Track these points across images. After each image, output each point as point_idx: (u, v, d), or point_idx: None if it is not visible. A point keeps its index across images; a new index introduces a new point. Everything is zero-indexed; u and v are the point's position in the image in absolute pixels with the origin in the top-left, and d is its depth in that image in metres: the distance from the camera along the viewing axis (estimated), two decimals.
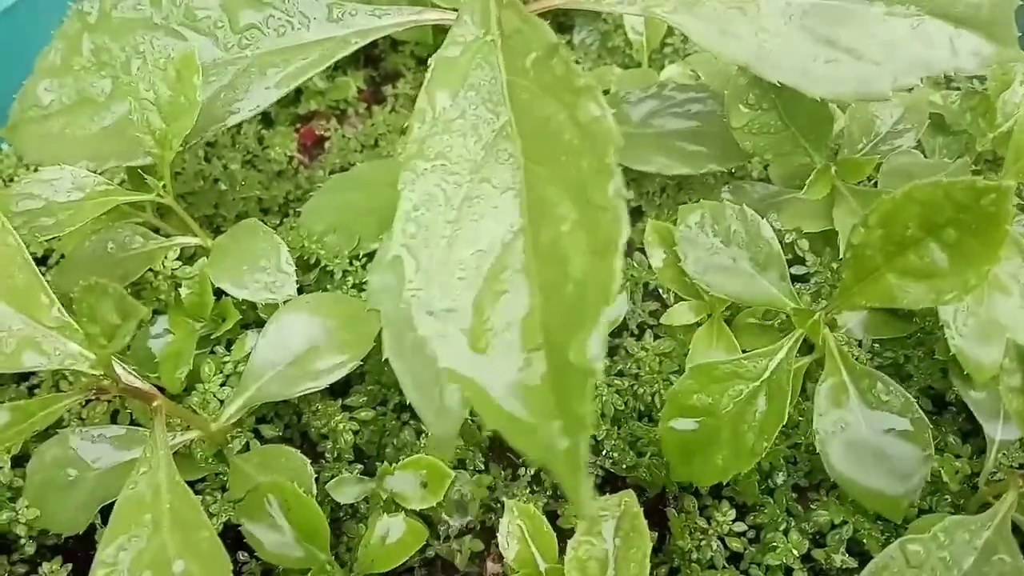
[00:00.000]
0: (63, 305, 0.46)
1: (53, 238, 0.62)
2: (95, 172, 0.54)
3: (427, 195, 0.40)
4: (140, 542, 0.40)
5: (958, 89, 0.69)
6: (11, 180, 0.69)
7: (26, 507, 0.49)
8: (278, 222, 0.68)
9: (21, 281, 0.46)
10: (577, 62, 0.82)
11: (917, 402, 0.54)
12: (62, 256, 0.64)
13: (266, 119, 0.81)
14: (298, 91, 0.82)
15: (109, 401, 0.56)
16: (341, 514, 0.54)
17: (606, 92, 0.77)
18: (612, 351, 0.60)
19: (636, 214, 0.68)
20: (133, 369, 0.52)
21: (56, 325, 0.46)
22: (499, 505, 0.53)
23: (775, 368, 0.47)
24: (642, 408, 0.57)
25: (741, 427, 0.48)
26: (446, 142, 0.42)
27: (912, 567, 0.40)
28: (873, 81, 0.50)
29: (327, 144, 0.78)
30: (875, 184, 0.61)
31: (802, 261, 0.60)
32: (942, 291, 0.40)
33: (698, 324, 0.56)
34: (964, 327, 0.50)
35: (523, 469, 0.57)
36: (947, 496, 0.51)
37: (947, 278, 0.40)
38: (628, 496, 0.45)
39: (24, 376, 0.58)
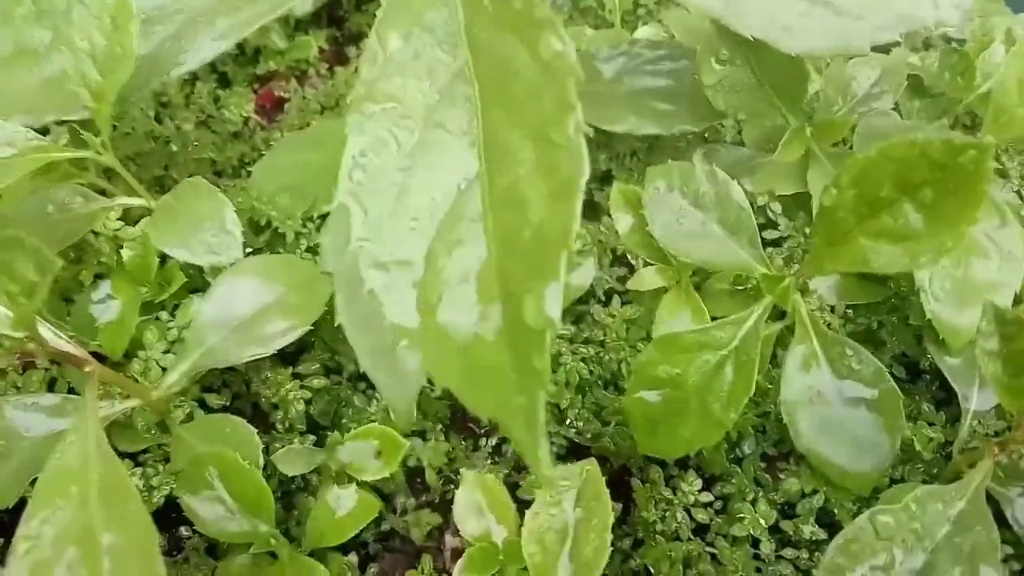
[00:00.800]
0: None
1: None
2: (32, 128, 0.51)
3: (377, 140, 0.38)
4: (66, 515, 0.38)
5: (936, 50, 0.67)
6: None
7: None
8: (231, 185, 0.65)
9: None
10: None
11: (891, 370, 0.53)
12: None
13: (223, 79, 0.77)
14: (256, 50, 0.79)
15: (47, 369, 0.53)
16: (292, 487, 0.52)
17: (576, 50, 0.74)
18: (578, 318, 0.58)
19: (606, 178, 0.66)
20: (72, 336, 0.49)
21: None
22: (459, 477, 0.51)
23: (743, 337, 0.45)
24: (608, 376, 0.55)
25: (708, 398, 0.46)
26: (398, 84, 0.39)
27: (882, 539, 0.38)
28: (852, 36, 0.47)
29: (286, 106, 0.75)
30: (850, 147, 0.59)
31: (775, 225, 0.58)
32: (917, 253, 0.38)
33: (666, 290, 0.54)
34: (940, 291, 0.49)
35: (484, 440, 0.55)
36: (920, 465, 0.49)
37: (922, 240, 0.38)
38: (590, 465, 0.43)
39: None
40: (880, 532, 0.38)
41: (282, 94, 0.76)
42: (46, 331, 0.42)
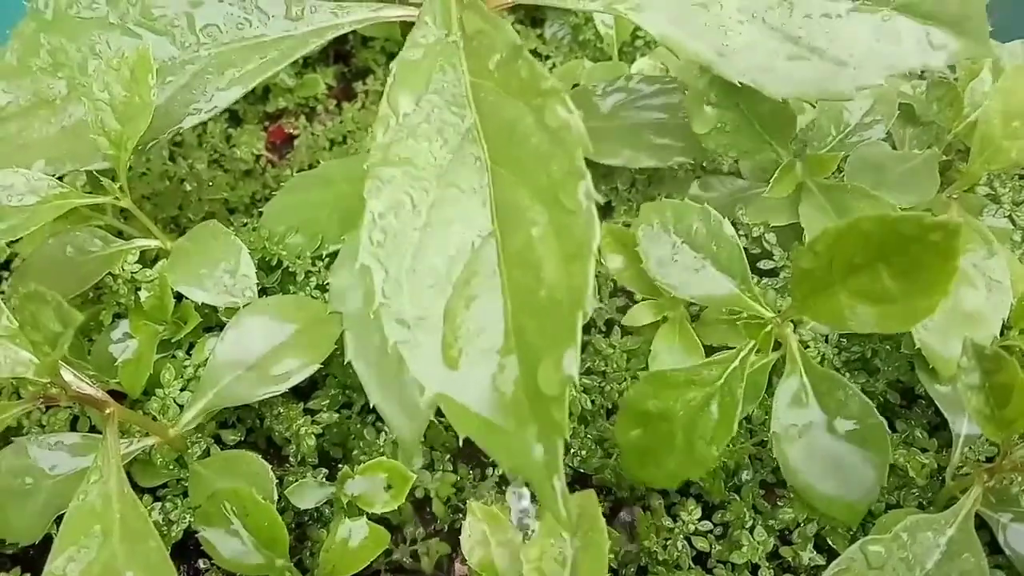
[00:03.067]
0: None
1: (14, 242, 0.62)
2: (53, 176, 0.53)
3: (394, 201, 0.40)
4: (90, 553, 0.40)
5: (928, 79, 0.69)
6: None
7: None
8: (245, 222, 0.67)
9: None
10: (548, 56, 0.82)
11: (885, 396, 0.54)
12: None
13: (234, 117, 0.80)
14: (266, 89, 0.81)
15: (70, 407, 0.55)
16: (305, 519, 0.53)
17: (575, 85, 0.76)
18: (581, 348, 0.59)
19: (606, 209, 0.67)
20: (92, 375, 0.52)
21: (6, 333, 0.45)
22: (466, 506, 0.53)
23: (728, 376, 0.46)
24: (610, 406, 0.56)
25: (693, 434, 0.47)
26: (411, 147, 0.41)
27: (873, 568, 0.39)
28: (837, 81, 0.48)
29: (296, 143, 0.78)
30: (843, 177, 0.60)
31: (770, 255, 0.59)
32: (892, 317, 0.39)
33: (664, 320, 0.56)
34: (929, 322, 0.50)
35: (491, 469, 0.57)
36: (914, 490, 0.51)
37: (897, 304, 0.39)
38: (588, 497, 0.45)
39: None
40: (871, 562, 0.39)
41: (292, 131, 0.79)
42: (68, 375, 0.44)
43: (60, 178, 0.54)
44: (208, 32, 0.56)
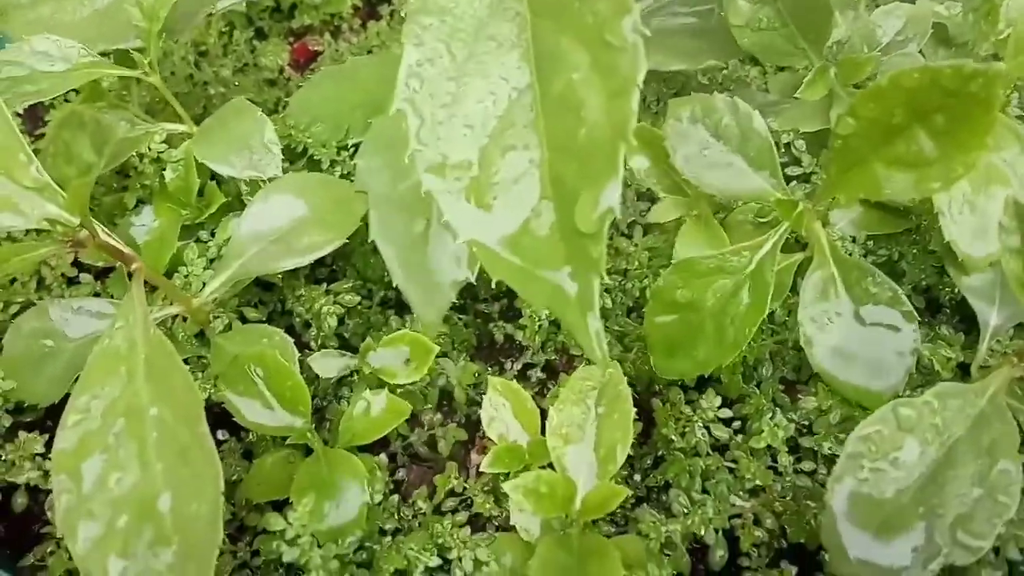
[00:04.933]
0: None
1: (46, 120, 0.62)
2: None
3: (431, 51, 0.39)
4: (114, 391, 0.39)
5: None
6: None
7: (1, 378, 0.49)
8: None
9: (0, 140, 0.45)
10: None
11: (911, 299, 0.54)
12: None
13: (259, 33, 0.80)
14: (292, 5, 0.81)
15: (90, 271, 0.55)
16: (325, 402, 0.53)
17: None
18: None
19: None
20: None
21: (35, 185, 0.45)
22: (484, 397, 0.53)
23: (759, 262, 0.46)
24: (630, 304, 0.56)
25: (723, 321, 0.47)
26: None
27: (903, 430, 0.39)
28: None
29: (320, 58, 0.77)
30: None
31: (798, 162, 0.59)
32: (929, 179, 0.39)
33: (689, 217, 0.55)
34: (960, 216, 0.49)
35: (509, 363, 0.57)
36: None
37: (934, 166, 0.39)
38: (612, 366, 0.45)
39: None
40: (901, 424, 0.39)
41: (316, 47, 0.78)
42: (96, 226, 0.44)
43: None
44: None
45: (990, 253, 0.49)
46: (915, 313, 0.48)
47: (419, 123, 0.38)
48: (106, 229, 0.45)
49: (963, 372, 0.51)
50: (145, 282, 0.44)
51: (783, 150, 0.59)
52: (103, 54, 0.55)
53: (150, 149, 0.56)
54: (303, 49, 0.80)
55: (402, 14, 0.80)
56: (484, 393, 0.53)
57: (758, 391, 0.52)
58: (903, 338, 0.48)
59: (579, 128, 0.37)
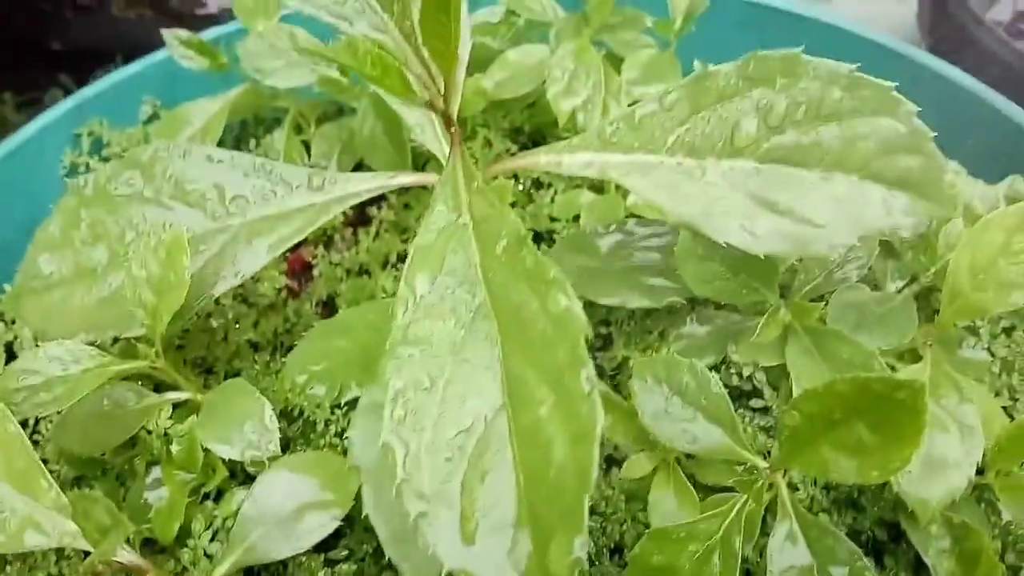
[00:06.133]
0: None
1: None
2: (93, 343, 0.58)
3: (413, 379, 0.43)
4: None
5: None
6: None
7: None
8: (268, 358, 0.72)
9: (21, 465, 0.50)
10: (551, 185, 0.87)
11: (872, 533, 0.58)
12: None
13: None
14: None
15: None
16: None
17: (576, 217, 0.81)
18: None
19: (606, 342, 0.71)
20: (134, 532, 0.56)
21: (54, 506, 0.49)
22: None
23: (726, 528, 0.50)
24: (612, 546, 0.60)
25: None
26: (427, 327, 0.45)
27: None
28: (813, 242, 0.53)
29: (314, 271, 0.83)
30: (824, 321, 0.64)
31: (760, 394, 0.63)
32: (870, 468, 0.43)
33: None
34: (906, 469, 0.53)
35: None
36: None
37: (874, 456, 0.43)
38: None
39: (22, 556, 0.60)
40: None
41: (310, 260, 0.84)
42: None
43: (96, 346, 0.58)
44: (237, 203, 0.61)
45: (936, 501, 0.53)
46: (872, 569, 0.51)
47: (404, 452, 0.42)
48: (123, 544, 0.50)
49: None
50: None
51: (744, 380, 0.63)
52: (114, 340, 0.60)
53: (157, 424, 0.61)
54: (299, 260, 0.85)
55: (395, 216, 0.85)
56: None
57: None
58: None
59: (548, 467, 0.40)
